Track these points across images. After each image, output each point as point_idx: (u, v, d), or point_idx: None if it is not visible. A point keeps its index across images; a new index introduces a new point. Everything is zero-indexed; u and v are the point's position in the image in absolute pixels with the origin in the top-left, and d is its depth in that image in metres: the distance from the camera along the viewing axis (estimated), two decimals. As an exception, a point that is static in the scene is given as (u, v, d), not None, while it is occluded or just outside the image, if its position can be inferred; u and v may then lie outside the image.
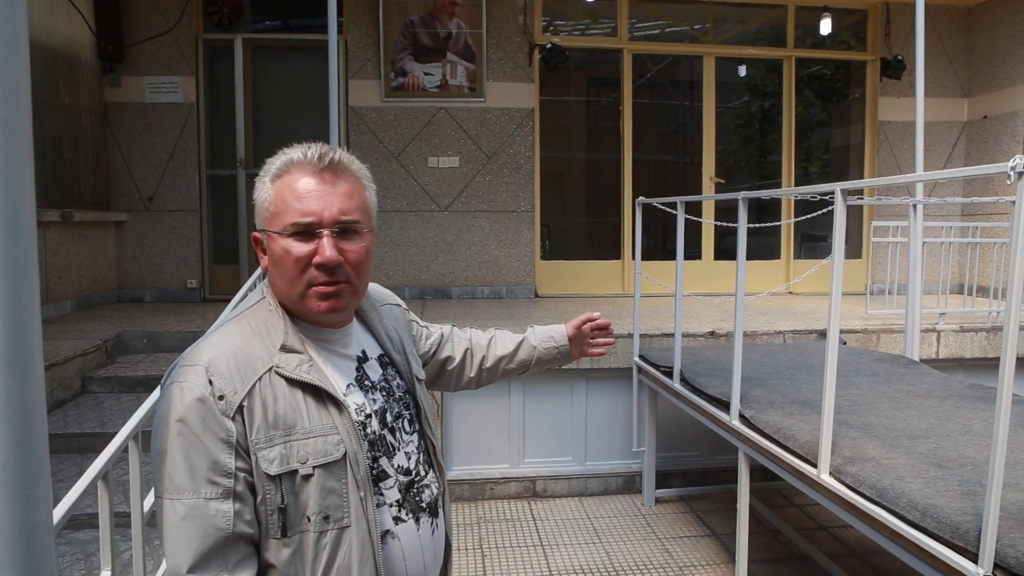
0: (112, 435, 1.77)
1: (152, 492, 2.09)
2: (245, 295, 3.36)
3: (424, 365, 1.52)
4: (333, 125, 4.22)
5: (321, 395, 1.13)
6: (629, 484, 4.54)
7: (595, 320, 1.67)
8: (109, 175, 5.98)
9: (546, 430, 4.53)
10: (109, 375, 3.93)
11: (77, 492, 1.41)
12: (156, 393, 2.12)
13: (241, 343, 1.12)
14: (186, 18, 6.00)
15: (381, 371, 1.28)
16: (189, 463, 1.04)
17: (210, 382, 1.06)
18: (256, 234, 1.22)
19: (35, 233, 0.68)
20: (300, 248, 1.14)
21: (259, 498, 1.08)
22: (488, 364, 1.61)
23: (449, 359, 1.58)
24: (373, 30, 6.15)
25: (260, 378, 1.10)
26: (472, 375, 1.61)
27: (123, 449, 1.70)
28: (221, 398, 1.06)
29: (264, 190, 1.19)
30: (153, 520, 2.74)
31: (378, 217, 1.30)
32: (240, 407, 1.07)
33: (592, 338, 1.69)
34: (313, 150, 1.17)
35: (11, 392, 0.66)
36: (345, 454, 1.12)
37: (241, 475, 1.06)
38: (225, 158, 6.19)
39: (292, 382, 1.12)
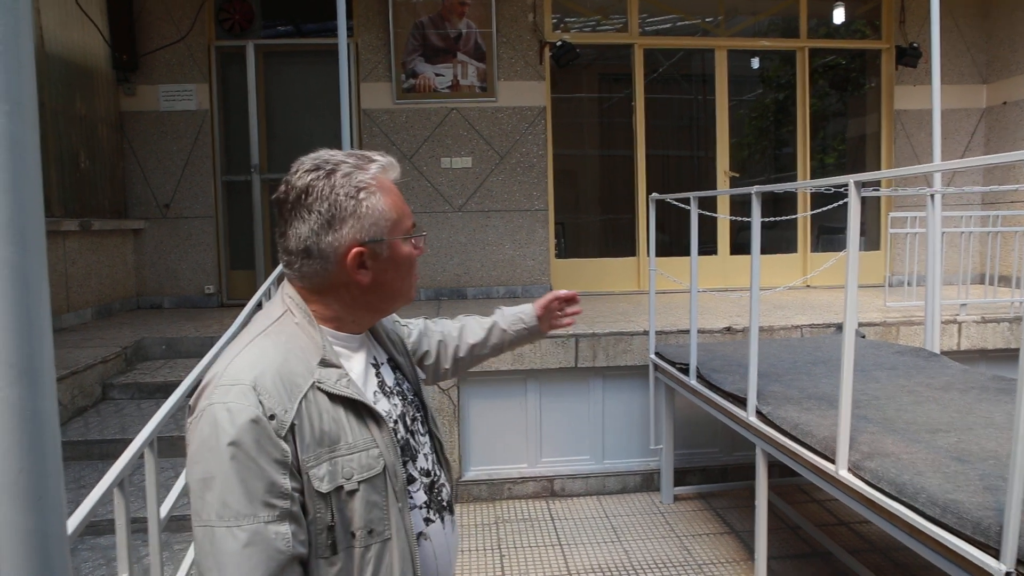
0: (132, 441, 1.78)
1: (170, 497, 2.12)
2: (259, 302, 3.39)
3: None
4: (345, 128, 4.24)
5: (359, 409, 1.12)
6: (647, 482, 4.53)
7: (562, 296, 1.68)
8: (126, 183, 6.05)
9: (563, 429, 4.53)
10: (129, 382, 3.97)
11: (92, 500, 1.43)
12: (173, 399, 2.15)
13: (281, 360, 1.08)
14: (198, 26, 6.05)
15: (393, 375, 1.29)
16: (246, 487, 1.00)
17: (260, 402, 1.02)
18: (361, 248, 1.15)
19: (44, 243, 0.68)
20: (418, 246, 1.23)
21: (309, 517, 1.06)
22: (462, 354, 1.62)
23: (427, 354, 1.58)
24: (383, 32, 6.17)
25: (305, 395, 1.07)
26: (448, 366, 1.62)
27: (139, 456, 1.72)
28: (272, 417, 1.02)
29: (374, 200, 1.15)
30: (171, 525, 2.76)
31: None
32: (292, 426, 1.04)
33: (560, 311, 1.69)
34: (384, 156, 1.21)
35: (24, 402, 0.66)
36: (385, 467, 1.12)
37: (296, 495, 1.04)
38: (240, 164, 6.24)
39: (334, 397, 1.10)
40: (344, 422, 1.10)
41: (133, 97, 6.02)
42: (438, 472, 1.29)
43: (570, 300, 1.68)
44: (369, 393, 1.19)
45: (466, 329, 1.64)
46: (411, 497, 1.19)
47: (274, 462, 1.02)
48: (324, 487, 1.05)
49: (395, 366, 1.32)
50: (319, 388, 1.09)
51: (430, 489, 1.25)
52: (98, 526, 2.64)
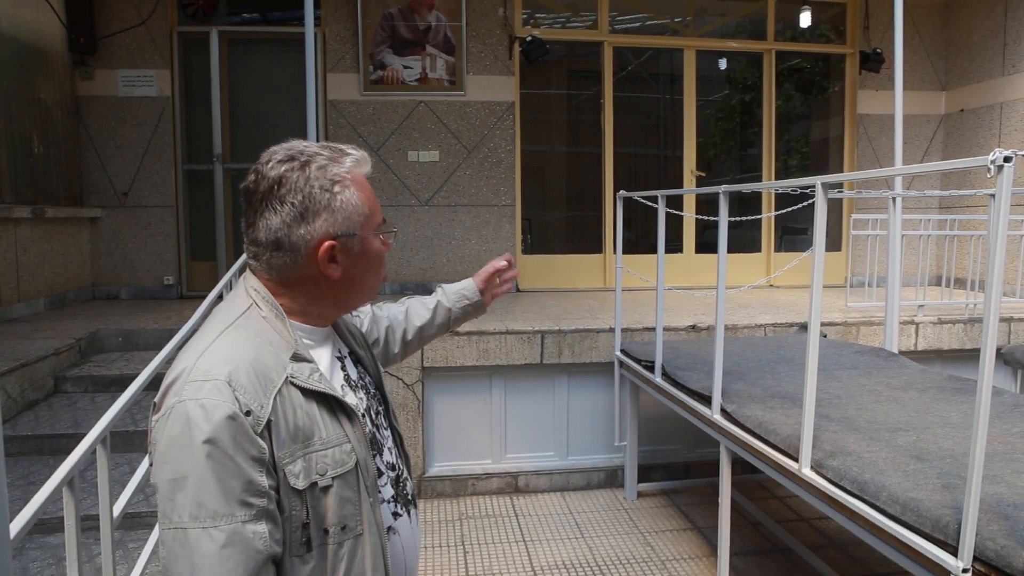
0: (85, 436, 1.72)
1: (125, 494, 2.05)
2: (220, 294, 3.31)
3: None
4: (311, 119, 4.16)
5: (331, 403, 1.11)
6: (611, 478, 4.54)
7: (500, 268, 1.69)
8: (82, 170, 5.87)
9: (528, 425, 4.52)
10: (83, 374, 3.85)
11: (39, 500, 1.36)
12: (129, 393, 2.08)
13: (254, 353, 1.06)
14: (160, 10, 5.89)
15: (356, 368, 1.28)
16: (223, 486, 0.97)
17: (236, 398, 0.99)
18: (333, 242, 1.13)
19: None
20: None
21: (284, 515, 1.04)
22: (410, 336, 1.62)
23: (376, 341, 1.58)
24: (351, 23, 6.08)
25: (279, 390, 1.05)
26: (397, 351, 1.62)
27: (91, 452, 1.66)
28: (248, 414, 0.99)
29: (349, 194, 1.13)
30: (125, 523, 2.68)
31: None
32: (268, 422, 1.02)
33: (500, 278, 1.71)
34: (357, 150, 1.19)
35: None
36: (357, 462, 1.11)
37: (272, 493, 1.02)
38: (202, 153, 6.09)
39: (307, 392, 1.08)
40: (317, 417, 1.08)
41: (91, 81, 5.84)
42: (401, 466, 1.29)
43: (508, 267, 1.70)
44: (337, 387, 1.17)
45: (411, 311, 1.64)
46: (379, 491, 1.18)
47: (251, 459, 0.99)
48: (300, 484, 1.03)
49: (356, 359, 1.31)
50: (292, 383, 1.07)
51: (396, 483, 1.25)
52: (48, 524, 2.56)
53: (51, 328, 4.41)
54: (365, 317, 1.57)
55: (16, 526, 1.30)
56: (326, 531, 1.06)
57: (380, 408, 1.29)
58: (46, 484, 1.44)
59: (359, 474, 1.11)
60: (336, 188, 1.12)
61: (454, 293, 1.66)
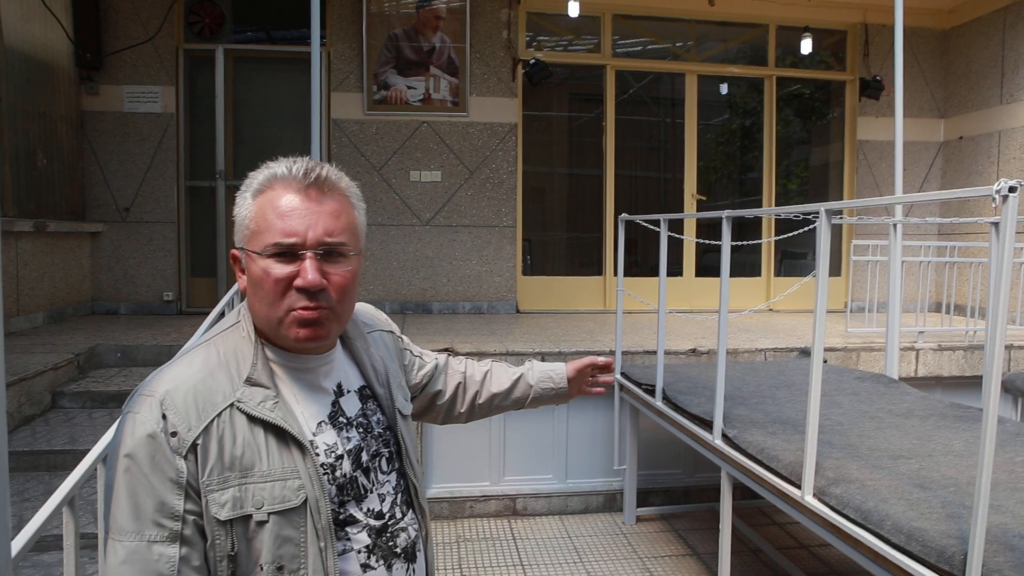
0: (82, 452, 1.71)
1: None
2: (222, 312, 3.30)
3: (413, 397, 1.44)
4: (315, 138, 4.18)
5: (284, 436, 1.06)
6: (610, 502, 4.51)
7: (599, 364, 1.61)
8: (85, 185, 5.88)
9: (527, 447, 4.49)
10: (81, 390, 3.83)
11: (40, 519, 1.35)
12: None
13: (204, 374, 1.05)
14: (167, 27, 5.94)
15: (360, 405, 1.20)
16: (134, 503, 0.97)
17: (164, 416, 0.99)
18: (235, 251, 1.13)
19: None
20: (281, 270, 1.06)
21: (208, 542, 1.01)
22: (481, 400, 1.54)
23: (440, 393, 1.50)
24: (356, 43, 6.13)
25: (220, 414, 1.02)
26: (463, 410, 1.54)
27: (91, 470, 1.64)
28: (174, 435, 0.99)
29: (245, 206, 1.11)
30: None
31: (359, 231, 1.27)
32: (194, 445, 1.00)
33: (592, 376, 1.63)
34: (299, 165, 1.10)
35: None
36: (306, 501, 1.05)
37: (190, 518, 0.99)
38: (205, 169, 6.12)
39: (253, 419, 1.04)
40: (262, 447, 1.04)
41: (96, 96, 5.87)
42: (399, 516, 1.19)
43: (605, 368, 1.62)
44: (311, 422, 1.11)
45: (491, 376, 1.56)
46: (348, 539, 1.11)
47: (168, 481, 0.98)
48: (223, 514, 1.00)
49: (369, 395, 1.23)
50: (239, 408, 1.04)
51: (379, 533, 1.15)
52: (43, 542, 2.52)
53: (50, 343, 4.40)
54: (429, 361, 1.50)
55: (17, 545, 1.28)
56: (261, 567, 1.02)
57: (383, 451, 1.20)
58: (47, 503, 1.42)
59: (309, 514, 1.05)
60: (238, 197, 1.13)
61: (540, 372, 1.58)
